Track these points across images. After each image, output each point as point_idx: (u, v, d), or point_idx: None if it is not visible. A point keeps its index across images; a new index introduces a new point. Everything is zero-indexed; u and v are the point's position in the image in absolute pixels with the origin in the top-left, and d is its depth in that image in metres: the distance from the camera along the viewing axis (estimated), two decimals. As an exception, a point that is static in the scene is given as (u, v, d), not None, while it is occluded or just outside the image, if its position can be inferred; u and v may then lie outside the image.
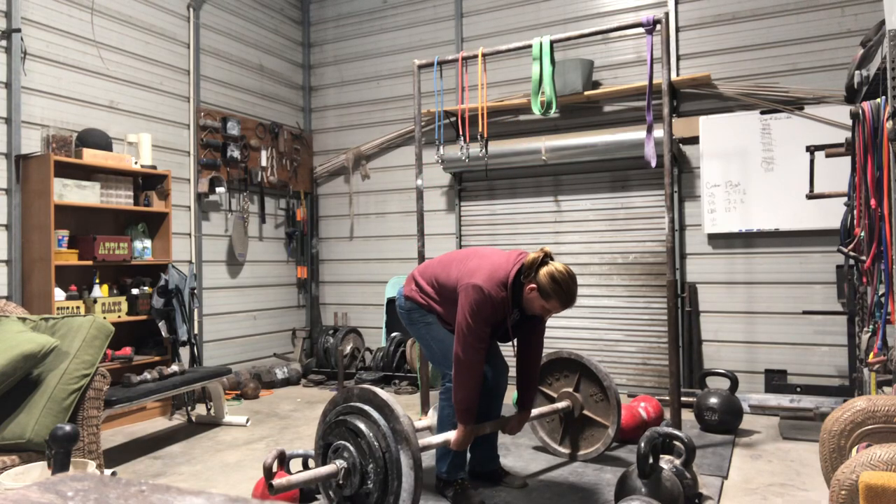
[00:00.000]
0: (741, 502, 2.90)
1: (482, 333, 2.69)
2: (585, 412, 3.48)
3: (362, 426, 2.43)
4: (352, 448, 2.43)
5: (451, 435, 2.77)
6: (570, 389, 3.52)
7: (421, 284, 2.99)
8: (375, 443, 2.40)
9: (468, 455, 3.14)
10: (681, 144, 5.09)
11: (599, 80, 5.43)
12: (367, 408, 2.48)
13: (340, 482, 2.45)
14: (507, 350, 3.25)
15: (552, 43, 3.94)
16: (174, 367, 4.11)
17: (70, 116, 4.44)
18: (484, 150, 4.32)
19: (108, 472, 3.18)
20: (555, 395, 3.57)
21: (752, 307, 4.93)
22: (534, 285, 2.67)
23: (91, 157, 4.24)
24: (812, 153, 3.94)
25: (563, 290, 2.65)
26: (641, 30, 3.73)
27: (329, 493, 2.54)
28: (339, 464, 2.44)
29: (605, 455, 3.53)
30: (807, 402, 4.22)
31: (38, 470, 2.49)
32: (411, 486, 2.34)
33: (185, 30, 5.39)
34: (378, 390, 2.50)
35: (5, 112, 4.07)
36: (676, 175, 5.10)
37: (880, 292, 2.83)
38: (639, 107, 5.25)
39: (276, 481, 2.20)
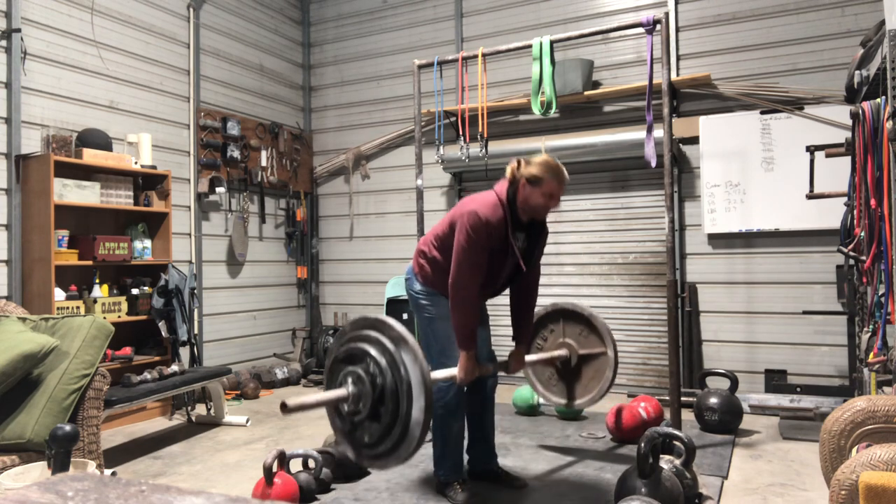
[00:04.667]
0: (741, 502, 2.90)
1: (478, 259, 2.69)
2: (581, 352, 3.42)
3: (373, 351, 2.37)
4: (361, 372, 2.35)
5: (454, 371, 2.73)
6: (561, 339, 3.47)
7: (423, 251, 2.97)
8: (390, 417, 2.31)
9: (466, 456, 3.14)
10: (681, 144, 5.09)
11: (599, 80, 5.43)
12: (375, 334, 2.41)
13: (350, 408, 2.36)
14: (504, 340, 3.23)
15: (552, 43, 3.94)
16: (174, 367, 4.11)
17: (70, 116, 4.44)
18: (484, 150, 4.32)
19: (108, 472, 3.18)
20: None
21: (752, 307, 4.93)
22: (524, 181, 2.74)
23: (91, 157, 4.24)
24: (812, 153, 3.94)
25: (551, 167, 2.75)
26: (641, 30, 3.73)
27: (337, 419, 2.46)
28: (350, 389, 2.36)
29: (605, 455, 3.54)
30: (807, 402, 4.22)
31: (38, 470, 2.49)
32: (421, 409, 2.26)
33: (185, 30, 5.39)
34: (386, 318, 2.43)
35: (5, 112, 4.07)
36: (676, 175, 5.10)
37: (880, 292, 2.83)
38: (639, 107, 5.25)
39: (290, 401, 2.13)
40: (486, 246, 2.70)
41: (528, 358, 3.13)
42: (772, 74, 4.90)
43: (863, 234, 2.97)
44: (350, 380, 2.31)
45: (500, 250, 2.76)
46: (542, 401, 4.50)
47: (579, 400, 3.43)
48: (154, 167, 4.73)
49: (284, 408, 2.07)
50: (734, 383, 3.99)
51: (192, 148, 5.39)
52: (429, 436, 3.46)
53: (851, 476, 1.76)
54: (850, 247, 3.16)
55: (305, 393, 5.51)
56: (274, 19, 6.43)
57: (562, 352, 3.43)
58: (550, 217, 5.51)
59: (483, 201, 2.74)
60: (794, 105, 4.77)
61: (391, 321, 2.31)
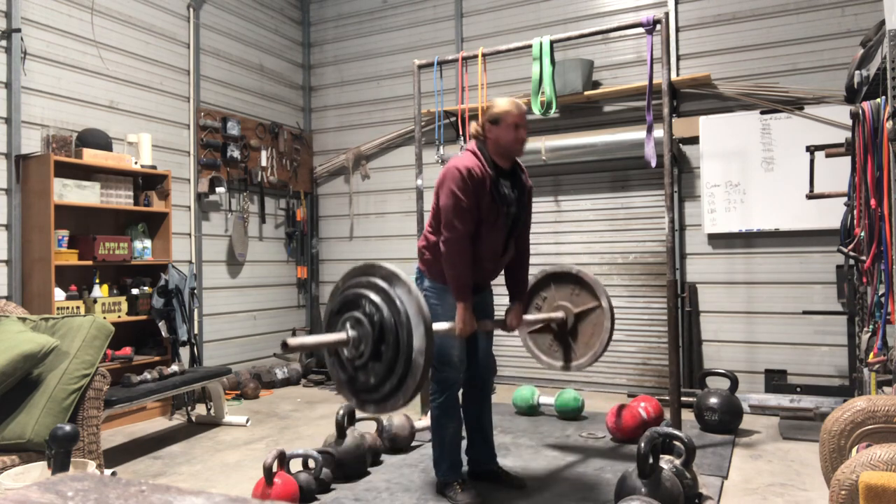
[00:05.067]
0: (741, 502, 2.90)
1: (465, 209, 2.72)
2: (577, 310, 3.45)
3: (367, 293, 2.34)
4: (358, 315, 2.32)
5: (453, 323, 2.74)
6: (555, 304, 3.51)
7: (422, 245, 2.99)
8: (393, 351, 2.27)
9: (465, 457, 3.14)
10: (681, 144, 5.09)
11: (599, 80, 5.43)
12: (367, 279, 2.40)
13: (351, 352, 2.33)
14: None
15: (552, 43, 3.94)
16: (174, 367, 4.11)
17: (70, 116, 4.44)
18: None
19: (108, 472, 3.18)
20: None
21: (752, 307, 4.93)
22: (488, 126, 2.84)
23: (91, 157, 4.24)
24: (812, 153, 3.94)
25: (506, 101, 2.86)
26: (641, 30, 3.73)
27: (339, 371, 2.43)
28: (350, 333, 2.32)
29: (606, 455, 3.54)
30: (807, 402, 4.22)
31: (38, 470, 2.49)
32: (422, 336, 2.24)
33: (185, 30, 5.39)
34: (375, 262, 2.42)
35: (5, 112, 4.07)
36: (676, 175, 5.10)
37: (880, 292, 2.83)
38: (639, 107, 5.25)
39: (291, 340, 2.12)
40: (472, 195, 2.73)
41: (527, 317, 3.18)
42: (772, 74, 4.90)
43: (863, 234, 2.97)
44: (348, 324, 2.30)
45: (490, 202, 2.78)
46: (542, 400, 4.50)
47: (583, 359, 3.44)
48: (154, 167, 4.73)
49: (285, 346, 2.07)
50: (734, 383, 3.99)
51: (192, 148, 5.39)
52: (429, 436, 3.47)
53: (851, 476, 1.76)
54: (850, 247, 3.16)
55: (306, 393, 5.51)
56: (274, 19, 6.43)
57: (558, 314, 3.45)
58: (551, 217, 5.55)
59: (458, 158, 2.83)
60: (794, 105, 4.77)
61: (380, 263, 2.33)
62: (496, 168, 2.84)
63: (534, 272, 3.43)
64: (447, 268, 2.78)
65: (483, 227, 2.80)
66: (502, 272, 3.09)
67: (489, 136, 2.85)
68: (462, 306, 2.74)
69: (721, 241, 5.02)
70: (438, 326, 2.62)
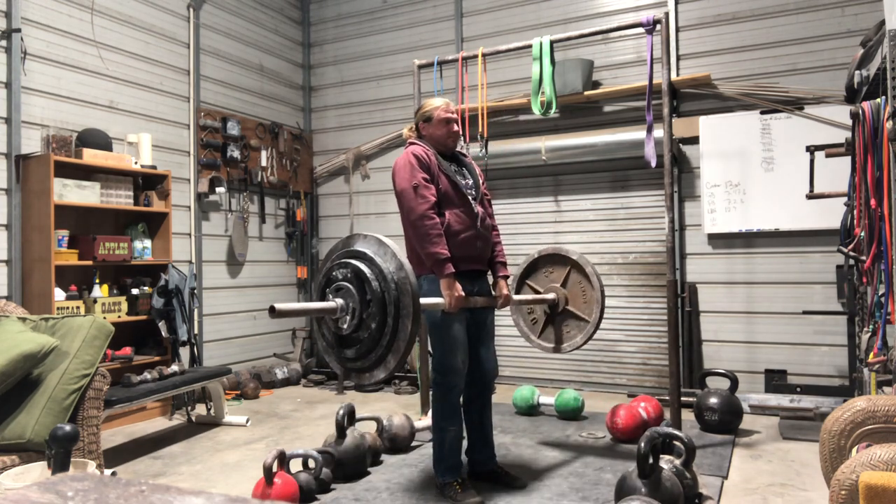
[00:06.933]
0: (741, 502, 2.90)
1: (419, 190, 2.82)
2: (559, 283, 3.56)
3: (339, 262, 2.44)
4: (351, 287, 2.38)
5: (442, 300, 2.78)
6: (556, 285, 3.65)
7: (408, 250, 3.03)
8: (375, 283, 2.35)
9: (465, 457, 3.14)
10: (681, 144, 5.09)
11: (599, 80, 5.43)
12: (338, 252, 2.50)
13: (345, 319, 2.38)
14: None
15: (552, 43, 3.94)
16: (174, 367, 4.11)
17: (70, 116, 4.44)
18: (484, 150, 4.32)
19: (108, 472, 3.18)
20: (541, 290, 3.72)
21: (752, 307, 4.93)
22: (421, 125, 3.07)
23: (91, 157, 4.24)
24: (812, 153, 3.94)
25: (430, 100, 3.09)
26: (641, 30, 3.73)
27: (339, 358, 2.49)
28: (339, 301, 2.38)
29: (605, 455, 3.54)
30: (807, 402, 4.22)
31: (38, 470, 2.49)
32: (394, 255, 2.34)
33: (185, 30, 5.39)
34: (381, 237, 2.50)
35: (5, 112, 4.07)
36: (676, 175, 5.10)
37: (880, 292, 2.83)
38: (639, 107, 5.25)
39: (278, 305, 2.13)
40: (425, 171, 2.86)
41: (517, 297, 3.34)
42: (772, 74, 4.90)
43: (863, 234, 2.97)
44: (331, 296, 2.40)
45: (445, 178, 2.91)
46: (542, 400, 4.50)
47: (593, 314, 3.54)
48: (154, 167, 4.73)
49: (273, 311, 2.10)
50: (734, 383, 3.99)
51: (192, 148, 5.39)
52: (429, 436, 3.47)
53: (851, 476, 1.76)
54: (850, 247, 3.16)
55: (306, 393, 5.51)
56: (274, 19, 6.43)
57: (549, 295, 3.56)
58: (551, 217, 5.55)
59: (402, 154, 2.97)
60: (794, 105, 4.77)
61: (338, 243, 2.51)
62: (438, 154, 3.01)
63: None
64: (421, 248, 2.82)
65: (445, 202, 2.90)
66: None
67: (424, 133, 3.06)
68: (445, 282, 2.78)
69: (721, 241, 5.02)
70: (427, 301, 2.66)
